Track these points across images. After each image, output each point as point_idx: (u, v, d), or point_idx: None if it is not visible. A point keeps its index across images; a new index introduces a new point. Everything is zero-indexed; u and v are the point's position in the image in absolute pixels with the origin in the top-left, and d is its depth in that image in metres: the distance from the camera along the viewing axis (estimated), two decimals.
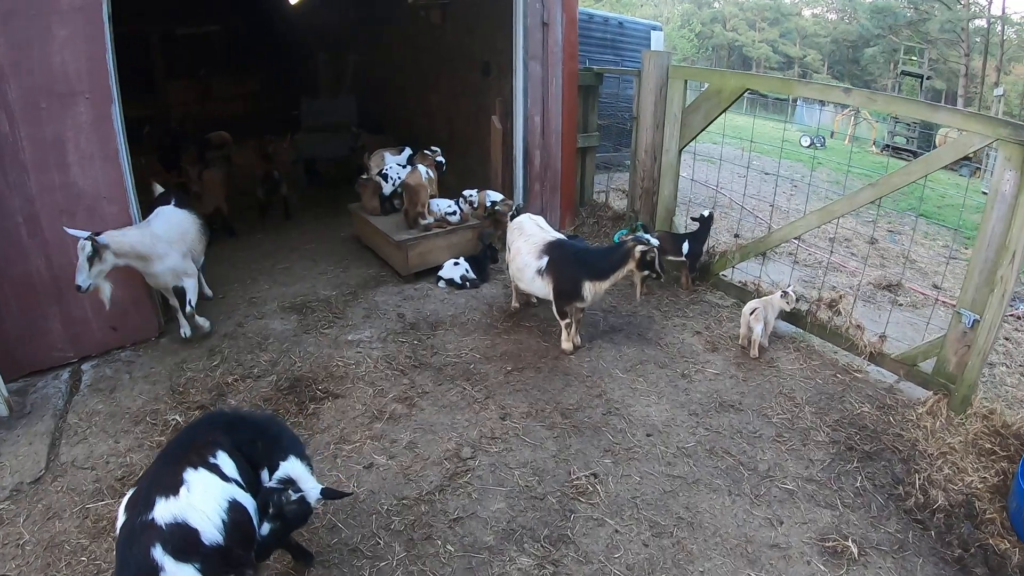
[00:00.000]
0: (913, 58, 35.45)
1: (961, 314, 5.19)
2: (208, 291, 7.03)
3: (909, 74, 31.18)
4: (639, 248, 5.64)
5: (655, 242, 5.74)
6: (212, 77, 16.03)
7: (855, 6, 55.70)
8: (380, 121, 12.11)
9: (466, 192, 7.61)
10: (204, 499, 2.86)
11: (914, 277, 9.60)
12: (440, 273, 7.35)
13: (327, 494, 3.38)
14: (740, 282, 7.32)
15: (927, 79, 32.47)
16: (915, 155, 23.37)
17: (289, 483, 3.25)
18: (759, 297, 6.57)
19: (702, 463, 4.77)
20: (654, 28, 13.53)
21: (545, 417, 5.23)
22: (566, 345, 6.15)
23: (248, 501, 3.09)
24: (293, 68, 15.76)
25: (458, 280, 7.29)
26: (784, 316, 6.51)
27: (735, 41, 57.97)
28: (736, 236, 9.79)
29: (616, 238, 8.17)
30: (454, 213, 7.60)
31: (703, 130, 7.28)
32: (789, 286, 6.32)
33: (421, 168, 7.55)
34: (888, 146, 24.55)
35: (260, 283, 7.51)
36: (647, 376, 5.84)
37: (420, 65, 11.36)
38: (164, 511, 2.74)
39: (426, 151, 8.06)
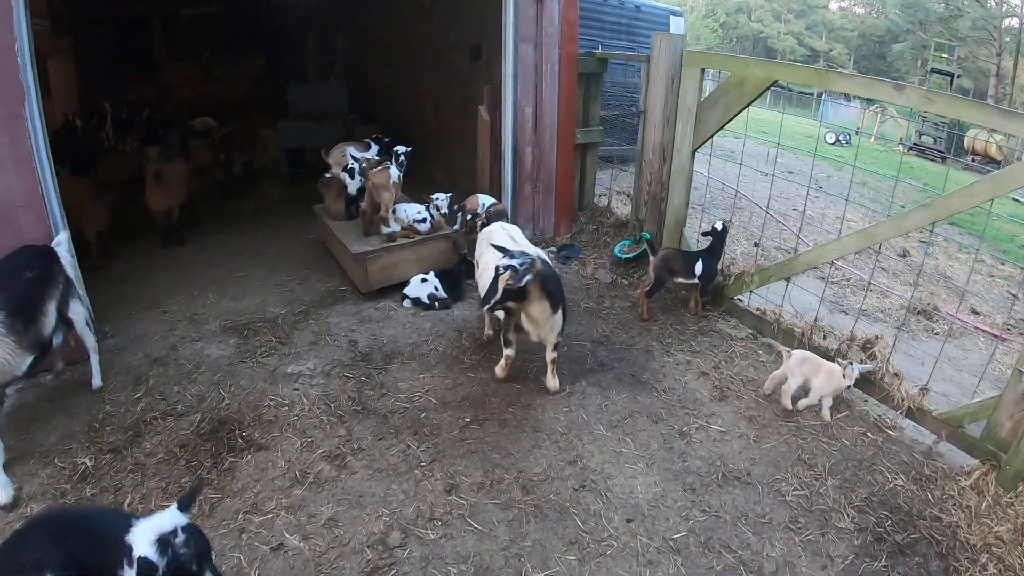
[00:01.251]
0: (943, 55, 32.91)
1: (1022, 372, 3.96)
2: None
3: (939, 72, 28.71)
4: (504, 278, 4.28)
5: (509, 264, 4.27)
6: (215, 59, 14.66)
7: (883, 0, 52.65)
8: (371, 109, 10.69)
9: (435, 196, 6.18)
10: None
11: (950, 297, 8.08)
12: (406, 291, 5.97)
13: None
14: (758, 309, 5.87)
15: (957, 77, 30.09)
16: (943, 156, 21.39)
17: None
18: (789, 340, 5.36)
19: (693, 562, 3.52)
20: (674, 13, 11.85)
21: (501, 491, 3.94)
22: (499, 372, 4.96)
23: None
24: (294, 50, 14.37)
25: (425, 300, 5.91)
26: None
27: (760, 32, 54.93)
28: (756, 245, 8.30)
29: (616, 251, 6.71)
30: (424, 220, 6.20)
31: (721, 128, 5.79)
32: (851, 363, 4.79)
33: (393, 169, 6.12)
34: (915, 145, 22.55)
35: (208, 295, 6.24)
36: (636, 434, 4.50)
37: (408, 48, 9.93)
38: None
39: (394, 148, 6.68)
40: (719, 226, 5.72)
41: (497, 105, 6.85)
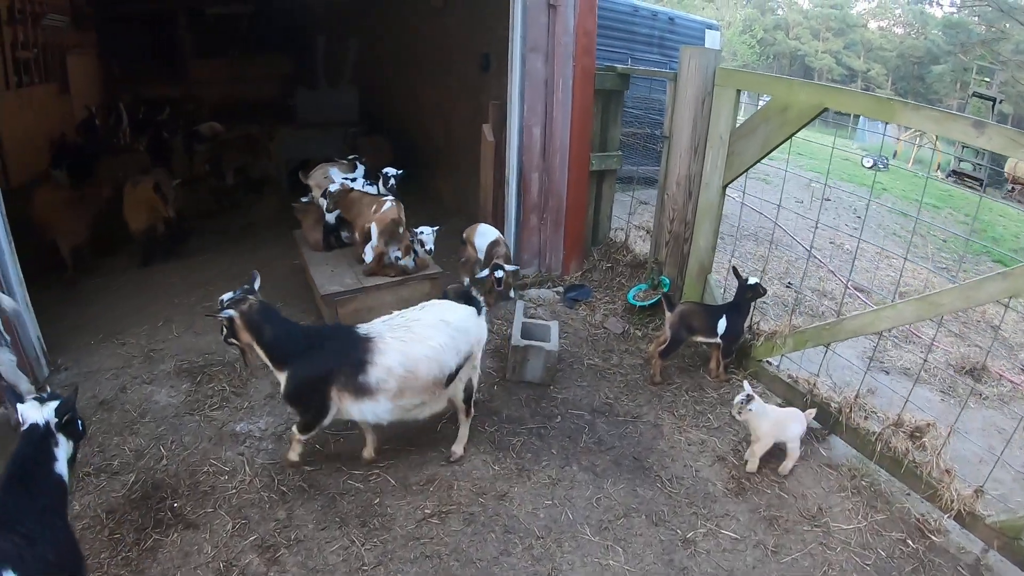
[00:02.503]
0: (985, 79, 30.64)
1: None
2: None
3: (981, 96, 26.51)
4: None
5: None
6: (242, 59, 13.80)
7: (924, 19, 49.86)
8: (380, 119, 9.65)
9: (420, 230, 5.12)
10: None
11: (998, 350, 6.73)
12: None
13: None
14: (790, 376, 4.70)
15: (999, 102, 27.94)
16: (982, 183, 19.60)
17: None
18: (813, 401, 4.33)
19: None
20: (710, 27, 10.56)
21: None
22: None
23: None
24: (315, 51, 13.26)
25: None
26: (846, 437, 4.16)
27: (798, 50, 52.21)
28: (789, 286, 7.09)
29: (631, 296, 5.59)
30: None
31: (758, 161, 4.64)
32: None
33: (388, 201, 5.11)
34: (954, 172, 20.75)
35: (172, 327, 5.30)
36: (630, 541, 3.48)
37: (418, 54, 8.83)
38: None
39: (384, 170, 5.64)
40: (751, 281, 4.58)
41: (503, 124, 5.79)
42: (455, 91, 7.68)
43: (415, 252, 5.04)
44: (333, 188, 5.16)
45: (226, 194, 7.98)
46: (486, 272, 5.16)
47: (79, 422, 2.69)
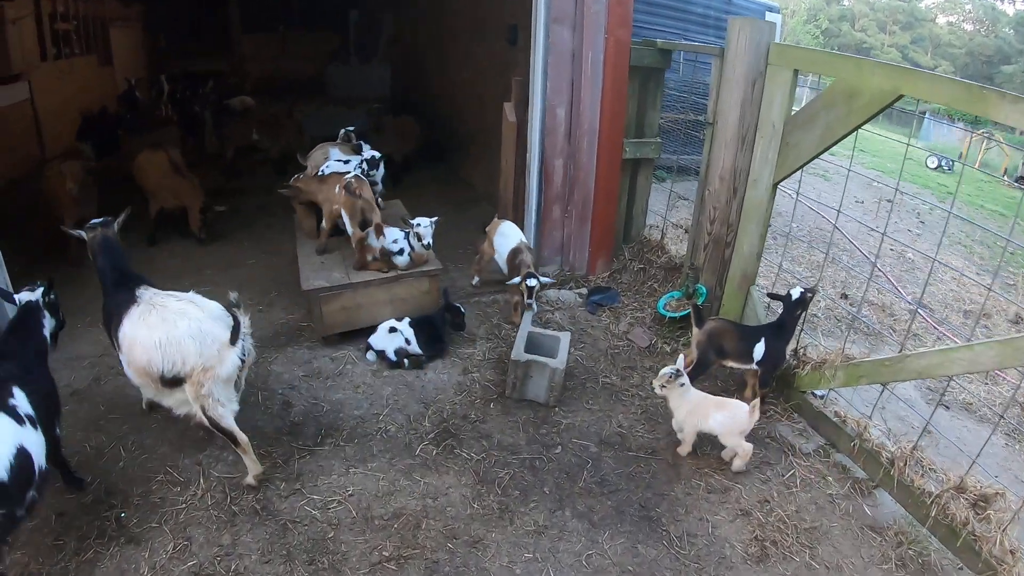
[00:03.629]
0: None
1: None
2: None
3: None
4: None
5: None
6: (289, 34, 13.11)
7: (995, 16, 45.72)
8: (412, 98, 8.82)
9: (417, 221, 4.30)
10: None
11: None
12: (370, 340, 4.19)
13: None
14: (838, 414, 3.78)
15: None
16: None
17: None
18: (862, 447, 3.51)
19: None
20: (770, 9, 9.26)
21: None
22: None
23: (34, 445, 2.58)
24: (370, 25, 12.51)
25: (391, 355, 4.12)
26: (896, 495, 3.33)
27: (863, 43, 48.24)
28: (844, 297, 6.04)
29: (661, 305, 4.70)
30: (401, 252, 4.36)
31: (818, 156, 3.68)
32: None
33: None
34: (1021, 178, 18.63)
35: None
36: None
37: (450, 29, 7.94)
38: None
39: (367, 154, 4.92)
40: (795, 294, 3.64)
41: (526, 103, 4.92)
42: (485, 68, 6.82)
43: (411, 246, 4.25)
44: (326, 171, 4.43)
45: (230, 172, 7.37)
46: (517, 279, 4.36)
47: (58, 308, 3.30)
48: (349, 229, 4.27)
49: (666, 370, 3.46)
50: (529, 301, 4.25)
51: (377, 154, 4.76)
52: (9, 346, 2.94)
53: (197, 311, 3.04)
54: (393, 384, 4.00)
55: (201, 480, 3.24)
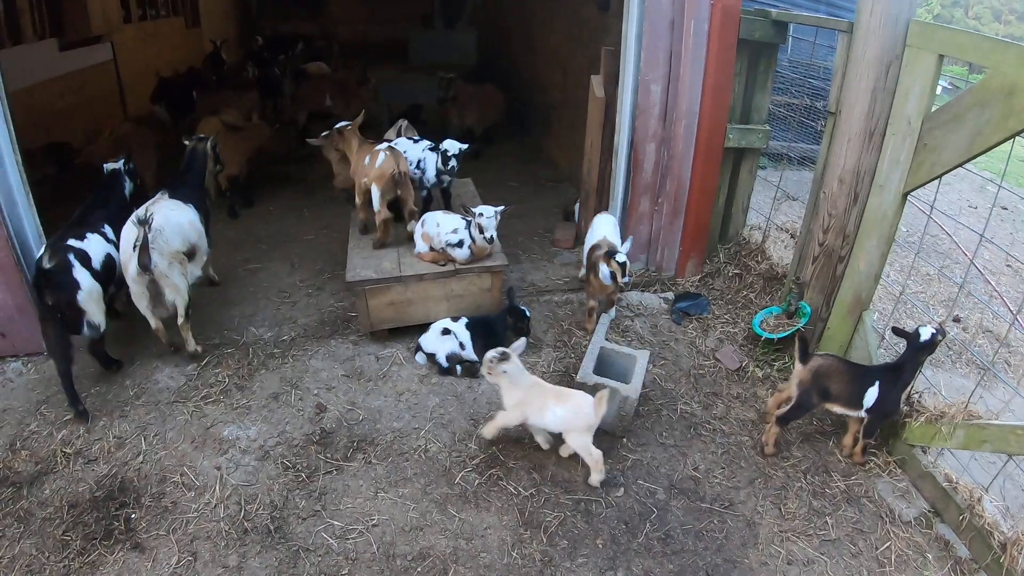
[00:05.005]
0: None
1: None
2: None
3: None
4: None
5: None
6: None
7: None
8: (500, 66, 8.48)
9: (479, 210, 4.00)
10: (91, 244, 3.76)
11: None
12: (420, 340, 4.05)
13: None
14: (948, 477, 3.27)
15: None
16: None
17: None
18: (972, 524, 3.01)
19: None
20: None
21: None
22: None
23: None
24: None
25: (443, 361, 3.96)
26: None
27: (976, 32, 43.28)
28: (956, 320, 5.28)
29: (756, 322, 4.24)
30: (460, 244, 4.12)
31: (962, 164, 3.11)
32: None
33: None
34: None
35: (204, 294, 4.78)
36: None
37: None
38: (75, 243, 3.72)
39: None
40: (925, 334, 3.11)
41: (616, 78, 4.53)
42: (574, 36, 6.42)
43: (471, 238, 4.02)
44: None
45: (302, 138, 7.45)
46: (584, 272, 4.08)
47: (135, 175, 4.58)
48: (376, 205, 4.14)
49: (490, 354, 3.22)
50: (625, 280, 3.87)
51: (455, 147, 4.53)
52: (100, 199, 4.20)
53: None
54: (441, 394, 3.86)
55: (217, 488, 3.23)
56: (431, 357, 3.97)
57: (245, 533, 3.00)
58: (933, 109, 3.19)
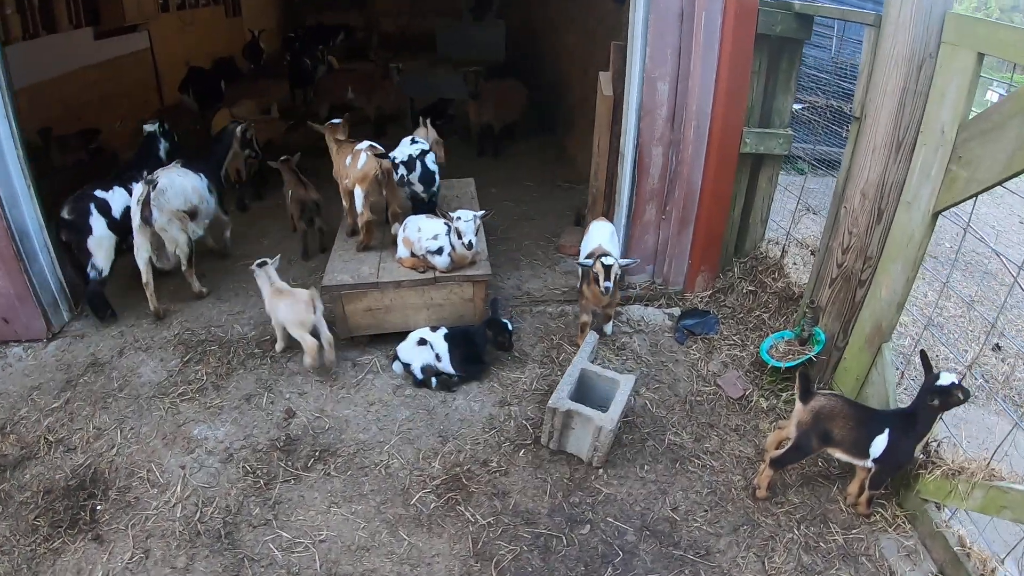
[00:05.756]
0: None
1: None
2: None
3: None
4: None
5: None
6: None
7: None
8: (526, 61, 8.05)
9: (457, 214, 3.68)
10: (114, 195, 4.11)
11: None
12: (399, 349, 3.74)
13: None
14: (962, 540, 2.76)
15: None
16: None
17: None
18: None
19: None
20: None
21: None
22: None
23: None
24: None
25: (418, 373, 3.66)
26: None
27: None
28: (996, 348, 4.68)
29: (765, 348, 3.80)
30: (439, 251, 3.80)
31: (1003, 182, 2.60)
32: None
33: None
34: None
35: (205, 281, 4.65)
36: None
37: None
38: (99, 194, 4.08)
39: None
40: (945, 380, 2.64)
41: (624, 74, 4.13)
42: (591, 32, 6.00)
43: (451, 245, 3.71)
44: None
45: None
46: (589, 261, 3.66)
47: (171, 135, 5.01)
48: (359, 207, 3.91)
49: (254, 264, 3.84)
50: (607, 284, 3.52)
51: (416, 149, 4.17)
52: (138, 158, 4.81)
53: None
54: (412, 407, 3.58)
55: (179, 487, 3.11)
56: (407, 367, 3.68)
57: (197, 536, 2.88)
58: (968, 117, 2.70)
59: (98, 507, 3.03)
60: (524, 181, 6.36)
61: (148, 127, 4.92)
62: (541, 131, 7.34)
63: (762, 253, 4.51)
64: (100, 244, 3.99)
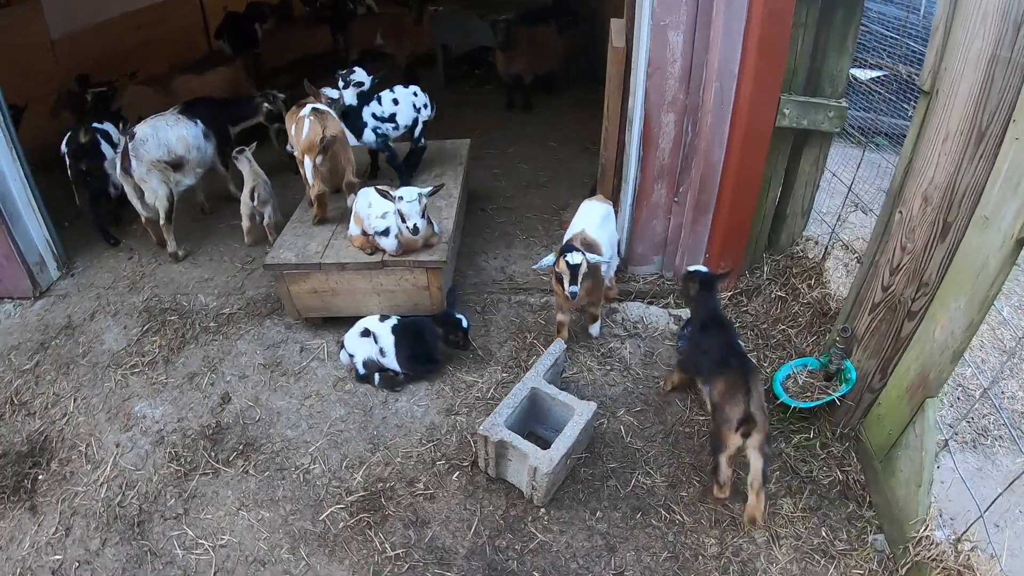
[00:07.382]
0: None
1: None
2: None
3: None
4: None
5: None
6: None
7: None
8: (575, 7, 6.83)
9: (399, 193, 2.92)
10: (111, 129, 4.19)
11: None
12: (345, 337, 3.13)
13: None
14: None
15: None
16: None
17: None
18: None
19: None
20: None
21: None
22: None
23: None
24: None
25: (360, 367, 3.07)
26: None
27: None
28: None
29: (778, 379, 2.90)
30: (386, 232, 3.09)
31: None
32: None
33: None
34: None
35: (187, 243, 4.28)
36: None
37: None
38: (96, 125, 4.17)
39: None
40: None
41: (634, 21, 3.17)
42: None
43: (399, 229, 3.02)
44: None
45: None
46: (550, 261, 2.87)
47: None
48: (309, 178, 3.28)
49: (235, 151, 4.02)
50: (572, 288, 2.71)
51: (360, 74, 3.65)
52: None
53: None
54: (349, 405, 3.02)
55: (109, 466, 2.85)
56: (353, 358, 3.10)
57: (114, 520, 2.63)
58: None
59: (39, 476, 2.85)
60: (548, 141, 5.41)
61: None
62: (589, 84, 6.31)
63: (800, 252, 3.50)
64: (113, 165, 4.00)
